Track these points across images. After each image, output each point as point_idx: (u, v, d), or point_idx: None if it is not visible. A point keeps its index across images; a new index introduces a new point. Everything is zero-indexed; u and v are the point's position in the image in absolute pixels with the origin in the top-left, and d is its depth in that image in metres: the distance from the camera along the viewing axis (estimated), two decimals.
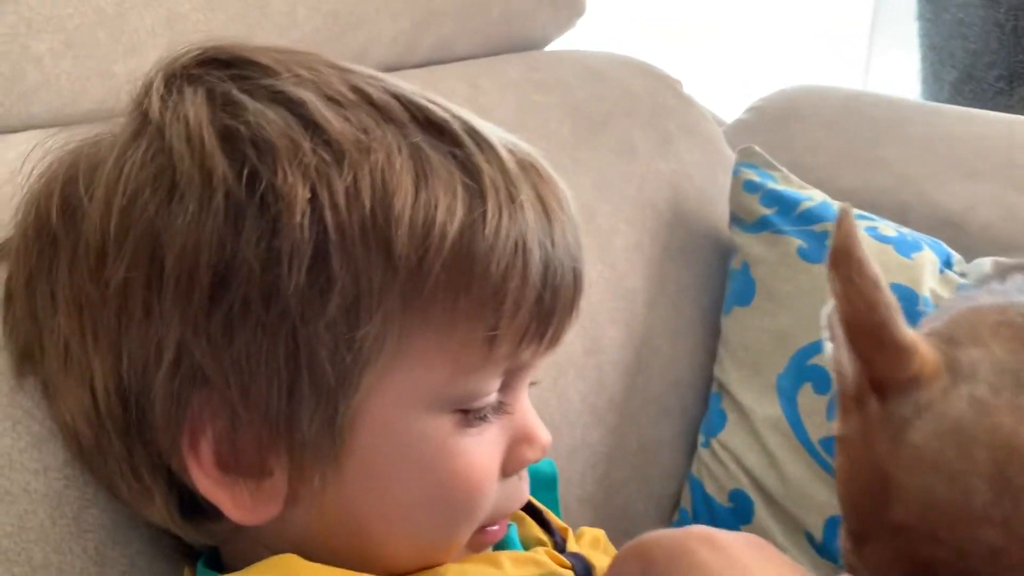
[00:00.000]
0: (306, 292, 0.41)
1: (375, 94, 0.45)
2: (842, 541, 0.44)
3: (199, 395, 0.43)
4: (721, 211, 1.11)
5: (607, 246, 0.96)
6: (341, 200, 0.41)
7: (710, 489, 0.90)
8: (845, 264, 0.40)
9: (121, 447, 0.45)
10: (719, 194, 1.13)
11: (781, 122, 1.27)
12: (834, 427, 0.45)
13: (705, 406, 0.99)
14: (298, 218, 0.40)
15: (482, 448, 0.46)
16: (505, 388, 0.48)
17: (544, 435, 0.51)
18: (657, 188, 1.05)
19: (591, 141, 1.00)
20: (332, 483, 0.44)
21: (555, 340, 0.48)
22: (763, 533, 0.85)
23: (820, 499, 0.81)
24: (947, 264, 0.95)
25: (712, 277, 1.05)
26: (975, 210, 1.14)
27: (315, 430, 0.42)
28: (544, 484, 0.67)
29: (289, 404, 0.42)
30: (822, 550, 0.80)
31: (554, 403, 0.86)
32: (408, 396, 0.44)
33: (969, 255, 0.97)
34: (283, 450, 0.43)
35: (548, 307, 0.46)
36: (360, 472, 0.44)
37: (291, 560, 0.44)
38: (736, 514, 0.88)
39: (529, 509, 0.60)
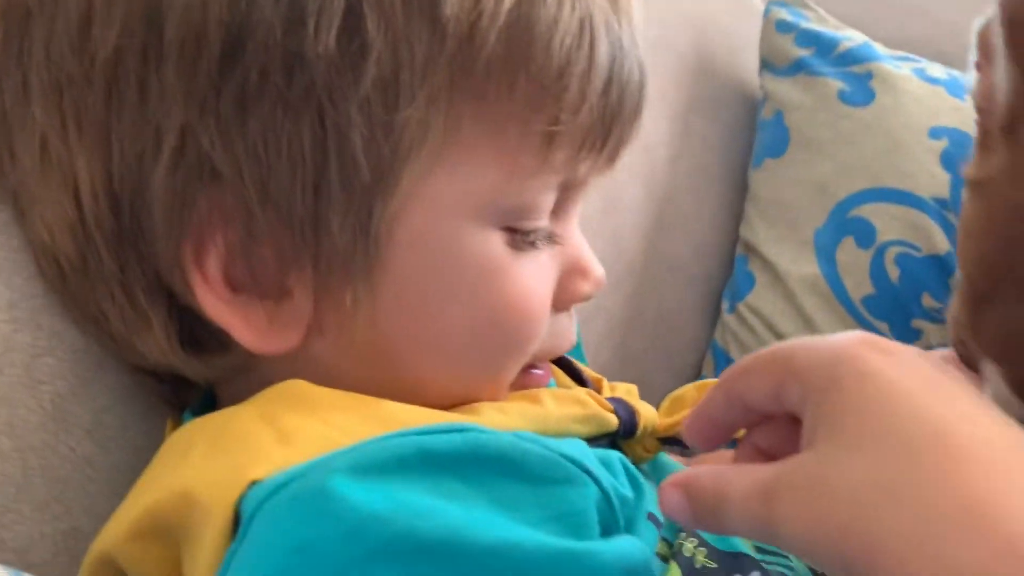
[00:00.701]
0: (336, 61, 0.34)
1: None
2: (954, 311, 0.39)
3: (206, 194, 0.36)
4: (749, 60, 1.02)
5: None
6: None
7: (735, 356, 0.84)
8: None
9: (112, 264, 0.38)
10: (746, 41, 1.04)
11: None
12: (967, 171, 0.39)
13: (729, 271, 0.91)
14: None
15: (536, 272, 0.40)
16: (558, 211, 0.42)
17: (598, 269, 0.45)
18: (679, 30, 0.95)
19: None
20: (365, 306, 0.38)
21: (614, 154, 0.42)
22: None
23: None
24: None
25: (740, 131, 0.96)
26: None
27: (346, 237, 0.36)
28: None
29: (316, 204, 0.36)
30: None
31: None
32: (455, 201, 0.38)
33: None
34: (308, 263, 0.37)
35: (613, 106, 0.40)
36: (398, 293, 0.38)
37: (299, 386, 0.37)
38: None
39: (560, 363, 0.53)
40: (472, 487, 0.32)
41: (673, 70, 0.92)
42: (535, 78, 0.37)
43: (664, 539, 0.44)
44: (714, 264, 0.94)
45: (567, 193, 0.41)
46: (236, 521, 0.32)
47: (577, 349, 0.62)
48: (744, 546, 0.46)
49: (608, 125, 0.40)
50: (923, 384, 0.29)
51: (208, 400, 0.43)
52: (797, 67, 0.88)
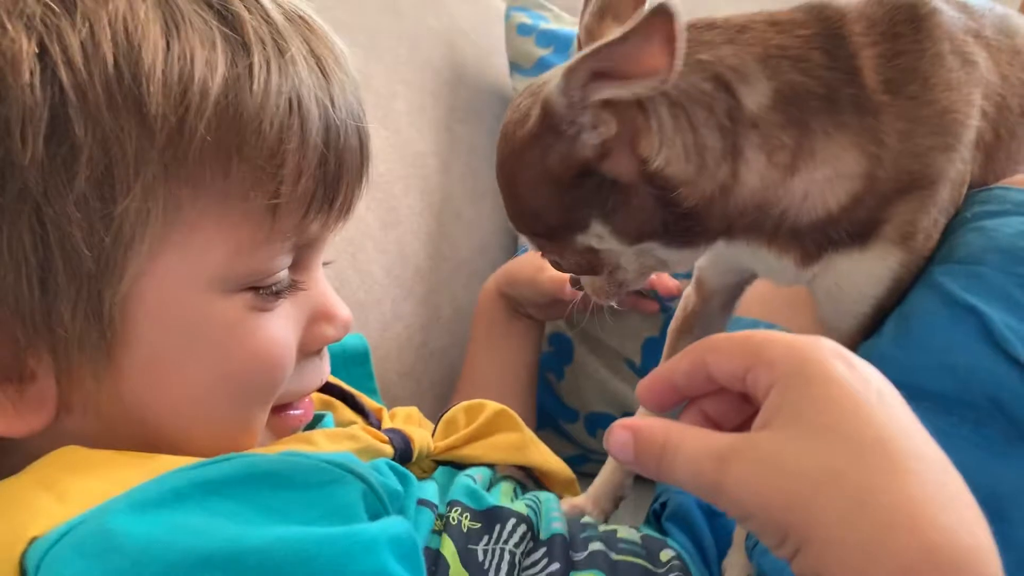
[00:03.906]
0: (47, 164, 0.35)
1: None
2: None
3: None
4: (499, 64, 1.08)
5: (388, 110, 0.91)
6: (77, 55, 0.35)
7: None
8: None
9: None
10: (494, 47, 1.09)
11: None
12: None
13: None
14: (26, 77, 0.34)
15: (277, 323, 0.42)
16: (297, 265, 0.44)
17: (343, 312, 0.47)
18: (432, 46, 1.00)
19: (351, 1, 0.94)
20: (108, 382, 0.39)
21: (345, 209, 0.44)
22: (584, 368, 0.85)
23: (634, 325, 0.82)
24: None
25: None
26: None
27: (79, 323, 0.37)
28: (355, 359, 0.65)
29: (43, 296, 0.36)
30: (642, 373, 0.82)
31: (356, 281, 0.82)
32: (188, 277, 0.39)
33: None
34: (44, 350, 0.38)
35: (333, 171, 0.42)
36: (141, 365, 0.39)
37: (73, 451, 0.38)
38: (558, 356, 0.88)
39: (341, 395, 0.57)
40: (245, 503, 0.35)
41: (430, 84, 0.97)
42: (248, 159, 0.38)
43: (439, 516, 0.49)
44: (498, 257, 0.99)
45: (305, 249, 0.44)
46: None
47: (365, 366, 0.66)
48: (498, 499, 0.52)
49: (332, 189, 0.42)
50: (876, 398, 0.32)
51: None
52: (541, 66, 0.94)
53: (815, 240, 0.48)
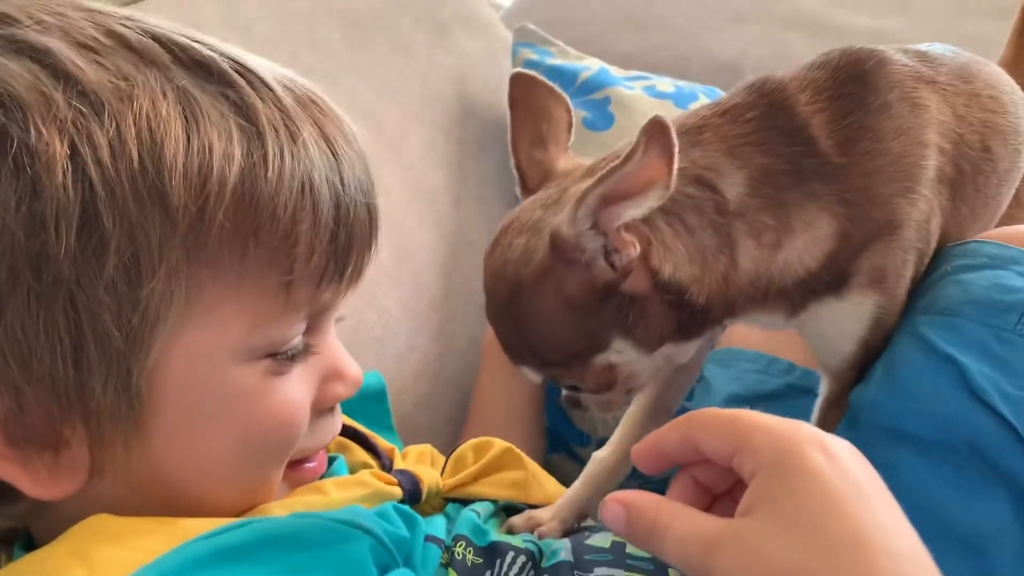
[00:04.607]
0: (79, 255, 0.38)
1: (132, 36, 0.42)
2: None
3: None
4: (506, 99, 1.09)
5: (400, 149, 0.95)
6: (105, 154, 0.39)
7: None
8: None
9: None
10: (504, 79, 1.11)
11: None
12: None
13: None
14: (59, 178, 0.38)
15: (293, 386, 0.45)
16: (311, 330, 0.47)
17: (354, 370, 0.50)
18: (441, 83, 1.03)
19: (363, 44, 0.97)
20: (137, 448, 0.42)
21: (355, 277, 0.47)
22: None
23: None
24: None
25: (509, 164, 1.05)
26: (746, 53, 1.19)
27: (110, 396, 0.40)
28: (372, 398, 0.68)
29: (77, 373, 0.40)
30: None
31: (373, 317, 0.86)
32: (209, 351, 0.42)
33: None
34: (78, 420, 0.41)
35: (344, 246, 0.45)
36: (168, 432, 0.43)
37: (102, 520, 0.41)
38: None
39: (355, 436, 0.60)
40: (262, 566, 0.38)
41: (440, 121, 1.01)
42: (265, 242, 0.42)
43: (445, 549, 0.52)
44: None
45: (317, 316, 0.47)
46: None
47: (383, 403, 0.69)
48: (495, 536, 0.55)
49: (343, 262, 0.45)
50: (854, 491, 0.34)
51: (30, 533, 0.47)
52: None
53: (800, 294, 0.52)
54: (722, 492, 0.40)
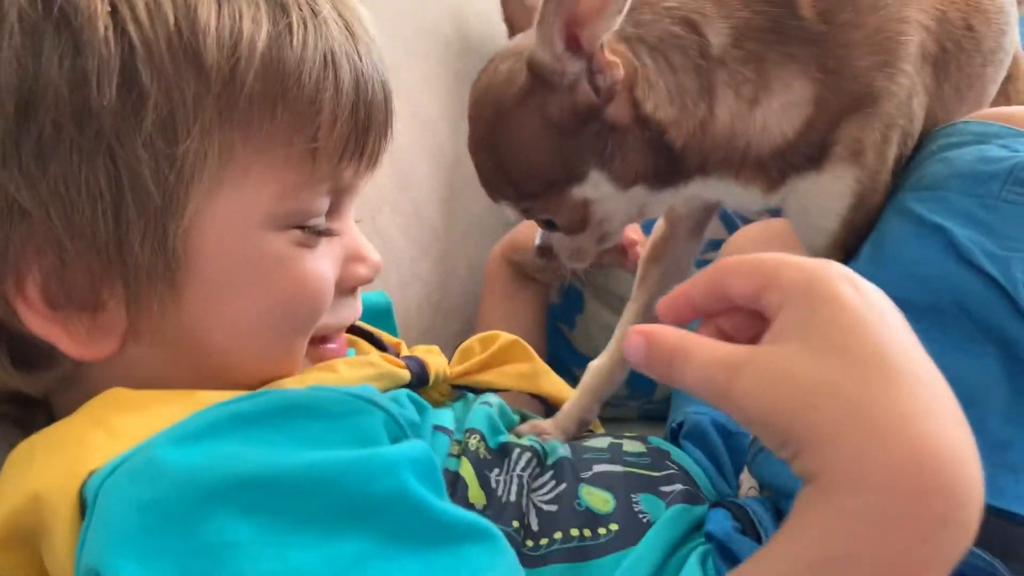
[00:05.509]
0: (119, 110, 0.40)
1: None
2: None
3: (19, 232, 0.41)
4: (504, 32, 1.09)
5: (396, 80, 0.94)
6: (143, 14, 0.41)
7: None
8: None
9: None
10: (499, 16, 1.11)
11: None
12: None
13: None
14: (101, 32, 0.40)
15: (319, 259, 0.47)
16: (333, 212, 0.49)
17: (374, 255, 0.53)
18: (436, 14, 1.04)
19: None
20: (171, 310, 0.44)
21: (373, 159, 0.49)
22: (595, 317, 0.90)
23: None
24: None
25: None
26: None
27: (147, 254, 0.42)
28: (380, 314, 0.70)
29: (116, 229, 0.41)
30: None
31: (376, 242, 0.86)
32: (242, 214, 0.44)
33: None
34: (117, 279, 0.43)
35: (363, 120, 0.47)
36: (201, 295, 0.44)
37: (120, 392, 0.43)
38: (570, 307, 0.92)
39: (362, 333, 0.62)
40: (279, 432, 0.39)
41: (439, 53, 1.01)
42: (291, 106, 0.44)
43: (456, 442, 0.54)
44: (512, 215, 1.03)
45: (339, 196, 0.49)
46: (82, 509, 0.37)
47: (389, 320, 0.71)
48: (504, 438, 0.57)
49: (362, 137, 0.47)
50: (878, 318, 0.35)
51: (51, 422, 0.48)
52: None
53: (777, 167, 0.53)
54: (744, 343, 0.40)
